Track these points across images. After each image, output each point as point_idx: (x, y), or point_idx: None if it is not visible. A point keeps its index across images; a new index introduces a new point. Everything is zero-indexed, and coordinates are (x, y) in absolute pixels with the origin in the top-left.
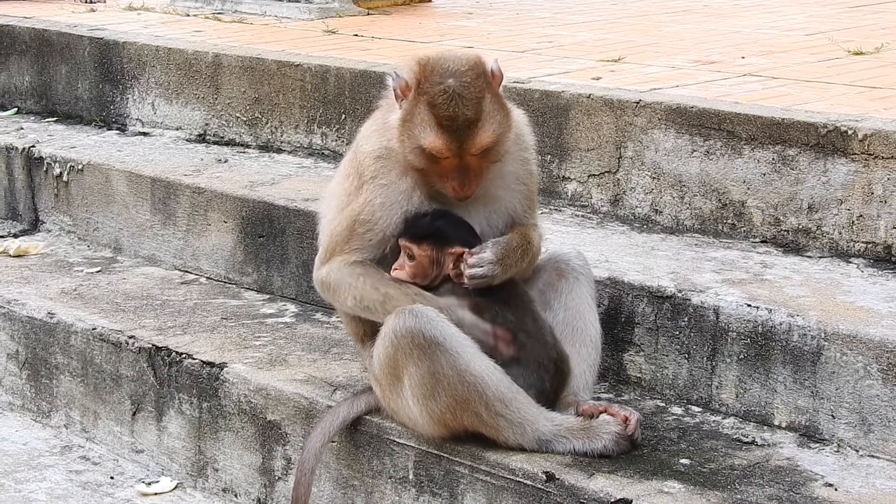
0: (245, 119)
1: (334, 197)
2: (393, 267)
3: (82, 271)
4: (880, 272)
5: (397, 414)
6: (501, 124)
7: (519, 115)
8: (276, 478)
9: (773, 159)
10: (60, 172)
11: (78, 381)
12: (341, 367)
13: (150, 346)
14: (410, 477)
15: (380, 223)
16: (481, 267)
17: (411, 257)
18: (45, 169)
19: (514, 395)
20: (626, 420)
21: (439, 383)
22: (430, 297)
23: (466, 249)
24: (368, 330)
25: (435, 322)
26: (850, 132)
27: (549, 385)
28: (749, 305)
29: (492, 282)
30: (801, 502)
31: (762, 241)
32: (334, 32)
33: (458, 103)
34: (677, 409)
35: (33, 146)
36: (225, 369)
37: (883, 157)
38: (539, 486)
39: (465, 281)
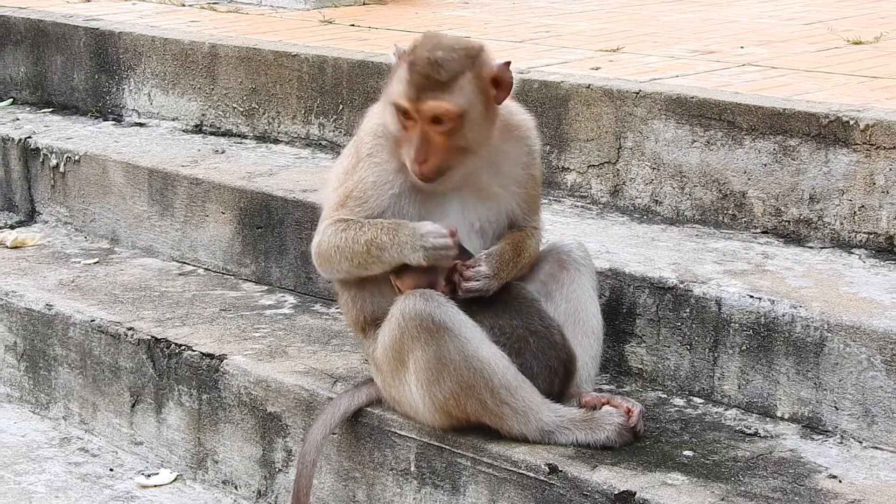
0: (242, 110)
1: (334, 178)
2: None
3: (80, 262)
4: (882, 263)
5: (399, 403)
6: (475, 108)
7: (526, 121)
8: (277, 470)
9: (774, 150)
10: (57, 163)
11: (77, 373)
12: (341, 359)
13: (149, 337)
14: (412, 469)
15: (370, 202)
16: (477, 281)
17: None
18: (41, 160)
19: (520, 383)
20: (628, 412)
21: (445, 368)
22: (407, 224)
23: (459, 262)
24: (370, 318)
25: (444, 306)
26: (851, 122)
27: (558, 387)
28: (751, 296)
29: (486, 294)
30: (804, 494)
31: (763, 232)
32: (331, 22)
33: (434, 68)
34: (679, 401)
35: (29, 137)
36: (224, 361)
37: (885, 148)
38: (542, 478)
39: (460, 293)
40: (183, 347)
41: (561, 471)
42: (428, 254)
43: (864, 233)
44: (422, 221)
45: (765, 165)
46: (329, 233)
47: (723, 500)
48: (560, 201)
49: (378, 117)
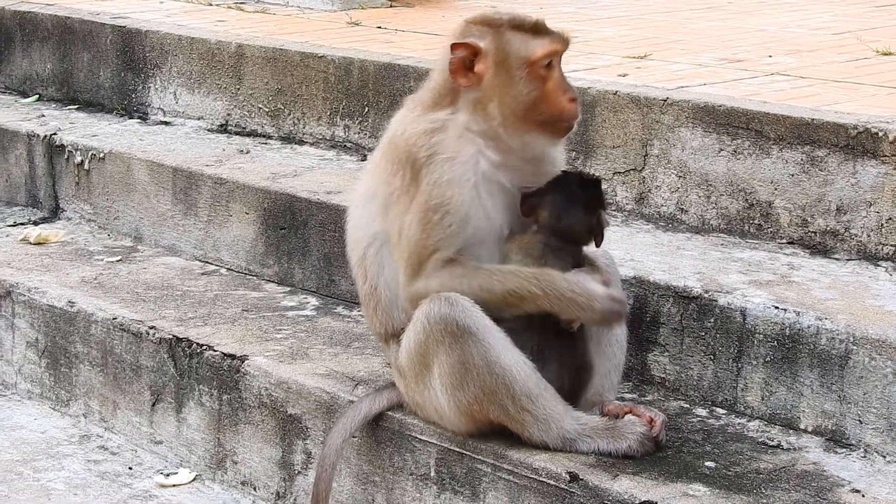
0: (267, 110)
1: (379, 205)
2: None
3: (102, 260)
4: None
5: (422, 407)
6: None
7: None
8: (296, 472)
9: (802, 160)
10: (82, 160)
11: (97, 371)
12: (363, 362)
13: (171, 336)
14: (432, 474)
15: (454, 201)
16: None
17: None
18: (66, 157)
19: (542, 391)
20: (651, 421)
21: (469, 373)
22: (556, 274)
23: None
24: (397, 326)
25: (470, 311)
26: (880, 133)
27: (567, 385)
28: (776, 307)
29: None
30: None
31: (789, 243)
32: (358, 24)
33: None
34: (702, 411)
35: (55, 134)
36: (246, 362)
37: None
38: (562, 486)
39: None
40: (204, 347)
41: (582, 479)
42: (604, 316)
43: (892, 245)
44: (579, 274)
45: (792, 176)
46: (441, 281)
47: None
48: None
49: (423, 122)
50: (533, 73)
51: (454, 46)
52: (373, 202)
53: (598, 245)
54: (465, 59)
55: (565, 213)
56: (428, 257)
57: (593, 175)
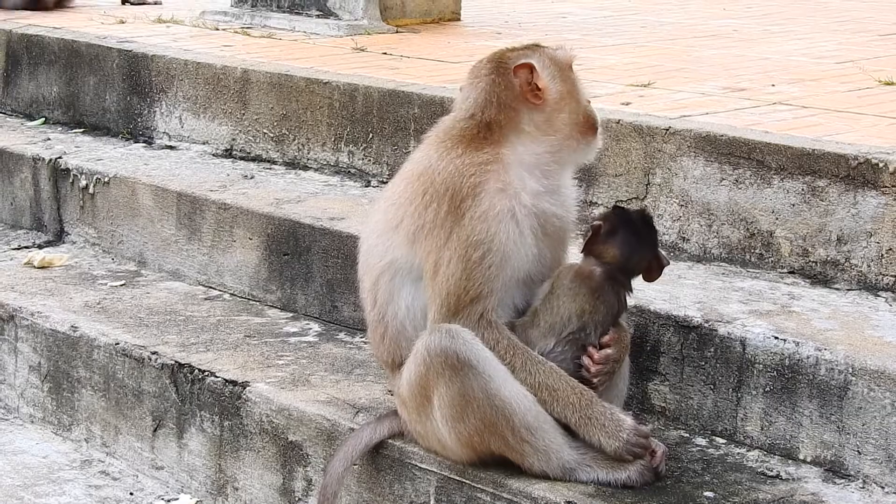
0: (272, 135)
1: (407, 239)
2: None
3: (106, 284)
4: None
5: (424, 438)
6: None
7: None
8: (297, 499)
9: (803, 190)
10: (87, 184)
11: (99, 396)
12: (364, 389)
13: (173, 362)
14: (431, 502)
15: (498, 238)
16: (606, 365)
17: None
18: (71, 180)
19: (541, 423)
20: (651, 452)
21: (469, 405)
22: (595, 397)
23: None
24: (400, 357)
25: (470, 344)
26: (880, 164)
27: None
28: (776, 338)
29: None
30: None
31: (790, 272)
32: (363, 50)
33: None
34: (701, 441)
35: (60, 157)
36: (247, 388)
37: None
38: None
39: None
40: (206, 373)
41: None
42: (625, 448)
43: (892, 276)
44: (612, 407)
45: (793, 206)
46: (479, 348)
47: None
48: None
49: (472, 154)
50: (576, 77)
51: (517, 69)
52: (395, 232)
53: (651, 281)
54: (529, 81)
55: (636, 252)
56: (466, 304)
57: (648, 212)
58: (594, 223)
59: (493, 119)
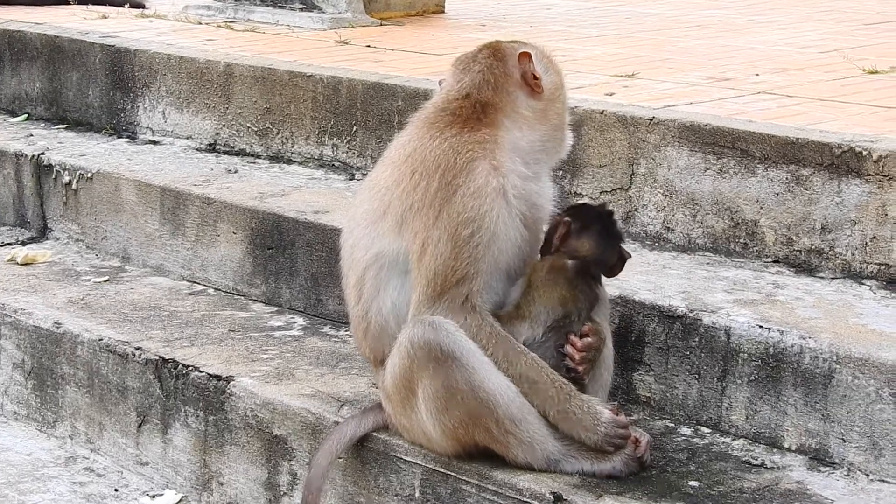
0: (256, 129)
1: (395, 224)
2: None
3: (90, 280)
4: (893, 294)
5: (409, 431)
6: None
7: None
8: (282, 493)
9: (787, 179)
10: (70, 180)
11: (84, 392)
12: (349, 382)
13: (157, 357)
14: (417, 495)
15: (489, 216)
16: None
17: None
18: (54, 176)
19: (525, 415)
20: (636, 442)
21: (453, 397)
22: (575, 391)
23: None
24: (384, 353)
25: (453, 335)
26: (864, 153)
27: None
28: (761, 327)
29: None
30: None
31: (774, 261)
32: (347, 43)
33: None
34: (686, 430)
35: (43, 153)
36: (232, 383)
37: None
38: None
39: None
40: (190, 368)
41: (565, 499)
42: (604, 440)
43: (876, 264)
44: (591, 400)
45: (777, 194)
46: (460, 334)
47: None
48: None
49: (446, 139)
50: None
51: (522, 57)
52: (383, 220)
53: (612, 276)
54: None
55: (607, 246)
56: (452, 284)
57: (610, 208)
58: (564, 219)
59: (490, 101)
